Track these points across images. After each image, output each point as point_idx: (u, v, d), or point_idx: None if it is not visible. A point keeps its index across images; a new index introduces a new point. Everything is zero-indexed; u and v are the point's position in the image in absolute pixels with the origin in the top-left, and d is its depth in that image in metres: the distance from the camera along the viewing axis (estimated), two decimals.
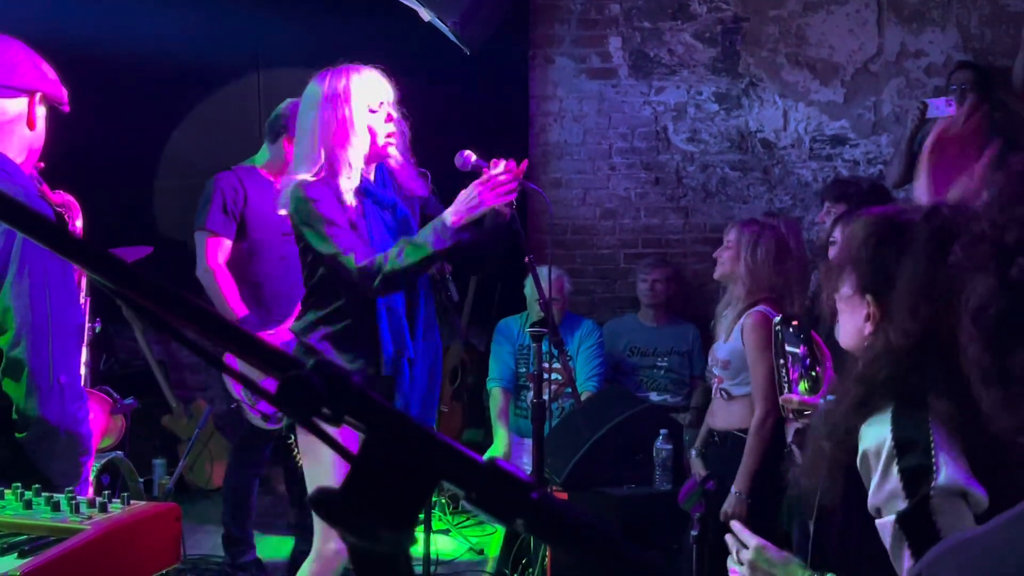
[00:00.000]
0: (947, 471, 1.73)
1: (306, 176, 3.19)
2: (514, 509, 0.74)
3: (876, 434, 1.81)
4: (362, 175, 3.23)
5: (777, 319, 2.35)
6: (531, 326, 3.58)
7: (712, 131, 6.51)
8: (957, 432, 1.76)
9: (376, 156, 3.28)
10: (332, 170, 3.19)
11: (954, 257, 1.77)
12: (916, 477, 1.75)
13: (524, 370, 5.40)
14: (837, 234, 3.79)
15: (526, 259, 3.46)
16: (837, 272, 2.01)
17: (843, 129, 6.47)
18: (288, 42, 6.26)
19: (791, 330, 2.30)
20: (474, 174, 3.38)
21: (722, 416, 4.14)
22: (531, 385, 3.55)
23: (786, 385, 2.31)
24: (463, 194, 3.15)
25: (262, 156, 4.61)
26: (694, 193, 6.55)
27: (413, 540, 0.73)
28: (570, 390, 3.91)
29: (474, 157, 3.35)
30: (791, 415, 2.31)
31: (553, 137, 6.55)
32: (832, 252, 3.78)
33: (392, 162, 3.32)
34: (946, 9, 6.35)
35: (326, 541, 3.27)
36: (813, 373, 2.27)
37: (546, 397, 3.58)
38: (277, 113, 4.53)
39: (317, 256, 3.22)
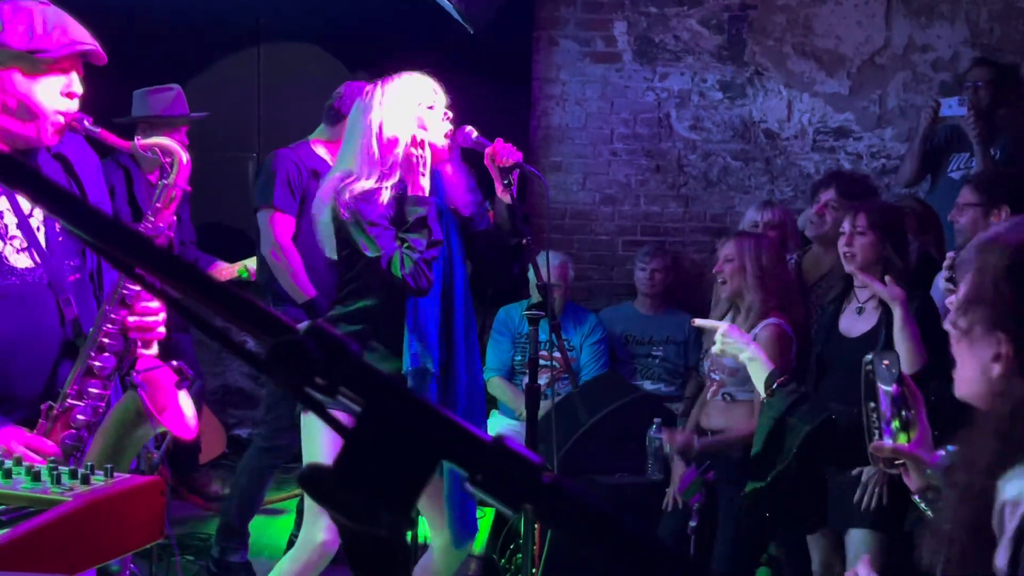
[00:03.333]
0: None
1: (351, 175, 3.15)
2: (523, 493, 0.68)
3: (1018, 487, 1.63)
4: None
5: (869, 357, 2.18)
6: (528, 308, 3.52)
7: (715, 119, 6.45)
8: None
9: (433, 156, 3.21)
10: (379, 171, 3.13)
11: None
12: None
13: (520, 358, 5.35)
14: (846, 225, 3.71)
15: (523, 242, 3.41)
16: (964, 306, 1.85)
17: (847, 122, 6.41)
18: (289, 16, 6.19)
19: (884, 367, 2.13)
20: (475, 150, 3.33)
21: (720, 417, 4.07)
22: (527, 370, 3.50)
23: (876, 431, 2.13)
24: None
25: (320, 134, 4.50)
26: (695, 181, 6.49)
27: (411, 524, 0.67)
28: (567, 377, 3.85)
29: (475, 133, 3.32)
30: (881, 465, 2.14)
31: (555, 120, 6.48)
32: (841, 243, 3.71)
33: (445, 169, 3.27)
34: (956, 3, 6.28)
35: (314, 532, 3.20)
36: (903, 415, 2.10)
37: (543, 382, 3.52)
38: (332, 96, 4.46)
39: (356, 253, 3.17)
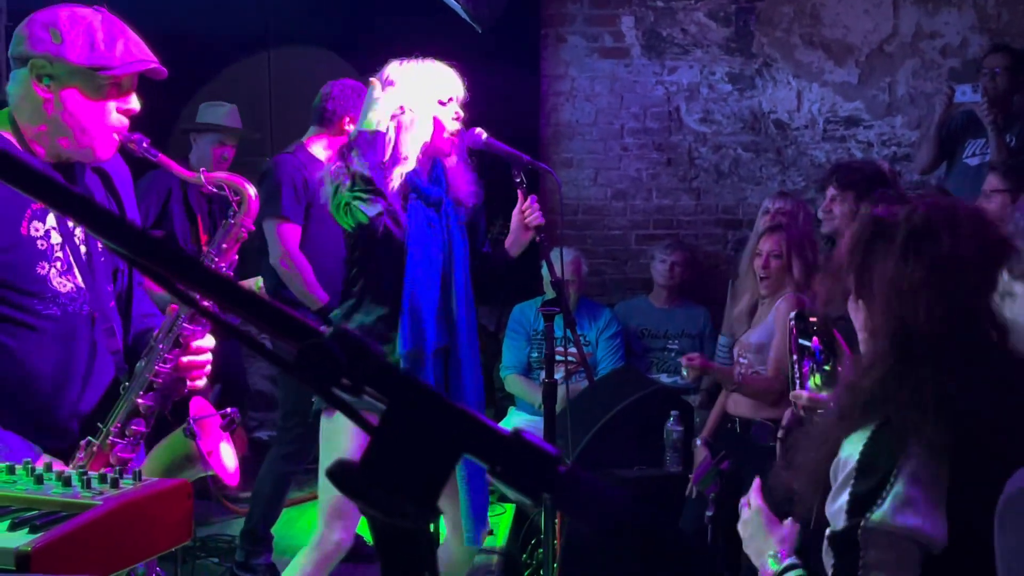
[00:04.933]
0: (889, 508, 1.70)
1: (358, 159, 3.14)
2: (541, 483, 0.71)
3: (851, 449, 1.78)
4: (415, 168, 3.19)
5: (793, 313, 2.31)
6: (543, 304, 3.55)
7: (725, 112, 6.46)
8: (938, 459, 1.71)
9: (436, 150, 3.24)
10: (390, 156, 3.13)
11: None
12: (859, 504, 1.73)
13: (536, 354, 5.38)
14: None
15: (537, 239, 3.44)
16: (838, 278, 1.97)
17: (857, 110, 6.42)
18: (298, 21, 6.23)
19: (804, 324, 2.26)
20: (484, 152, 3.35)
21: (746, 403, 4.13)
22: (543, 366, 3.52)
23: (797, 381, 2.27)
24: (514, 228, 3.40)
25: (312, 134, 4.50)
26: (706, 174, 6.51)
27: (435, 515, 0.71)
28: (583, 371, 3.88)
29: (485, 134, 3.32)
30: (801, 412, 2.27)
31: (564, 117, 6.51)
32: None
33: (449, 161, 3.30)
34: None
35: (330, 531, 3.23)
36: (827, 368, 2.22)
37: (559, 377, 3.55)
38: (320, 96, 4.47)
39: (359, 238, 3.19)
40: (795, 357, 2.24)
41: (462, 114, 3.25)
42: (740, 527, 2.03)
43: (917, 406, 1.72)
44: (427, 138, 3.17)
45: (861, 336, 1.91)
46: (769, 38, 6.41)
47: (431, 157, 3.25)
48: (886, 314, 1.80)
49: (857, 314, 1.90)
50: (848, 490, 1.74)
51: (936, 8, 6.30)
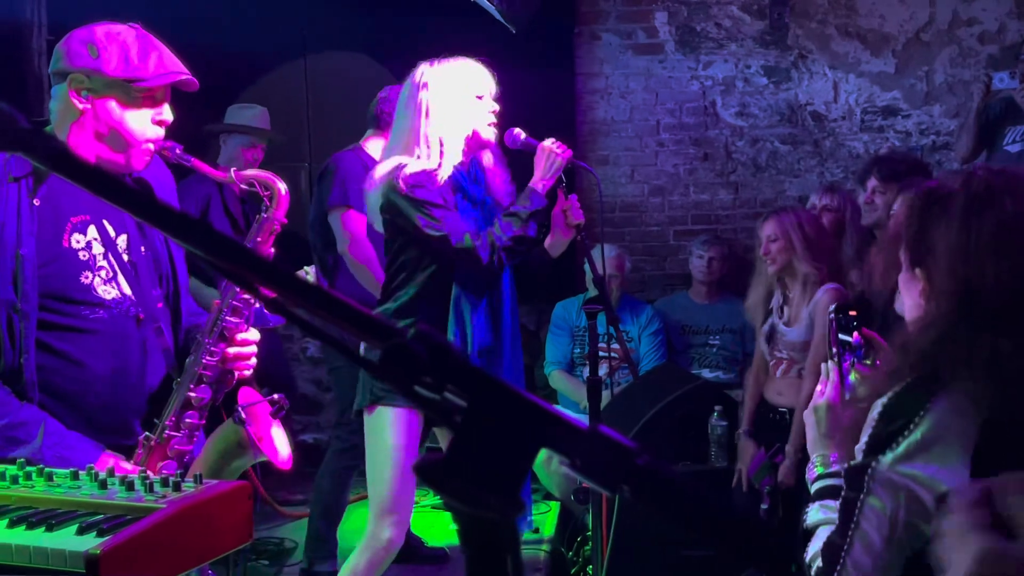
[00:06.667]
0: (902, 452, 1.71)
1: (404, 160, 3.18)
2: (620, 476, 0.73)
3: (877, 407, 1.80)
4: (456, 167, 3.21)
5: (832, 307, 2.32)
6: (585, 302, 3.56)
7: (761, 105, 6.44)
8: (972, 413, 1.71)
9: (478, 145, 3.26)
10: (430, 154, 3.17)
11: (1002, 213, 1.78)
12: (875, 445, 1.75)
13: (579, 351, 5.39)
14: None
15: (578, 237, 3.46)
16: (892, 252, 1.98)
17: (895, 100, 6.38)
18: (334, 26, 6.27)
19: (845, 319, 2.26)
20: (524, 152, 3.38)
21: (794, 394, 4.11)
22: (587, 363, 3.54)
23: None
24: (540, 162, 3.29)
25: (369, 137, 4.53)
26: (744, 168, 6.49)
27: (520, 507, 0.73)
28: (627, 367, 3.89)
29: (523, 135, 3.35)
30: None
31: (600, 114, 6.51)
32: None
33: (487, 161, 3.32)
34: None
35: (380, 529, 3.25)
36: (867, 363, 2.23)
37: (602, 373, 3.57)
38: (376, 100, 4.50)
39: (408, 242, 3.21)
40: (835, 351, 2.25)
41: (497, 108, 3.28)
42: (807, 411, 2.05)
43: (967, 363, 1.73)
44: (468, 132, 3.20)
45: (916, 309, 1.91)
46: (804, 30, 6.38)
47: (470, 154, 3.27)
48: (950, 278, 1.81)
49: (913, 285, 1.91)
50: (869, 431, 1.77)
51: None
